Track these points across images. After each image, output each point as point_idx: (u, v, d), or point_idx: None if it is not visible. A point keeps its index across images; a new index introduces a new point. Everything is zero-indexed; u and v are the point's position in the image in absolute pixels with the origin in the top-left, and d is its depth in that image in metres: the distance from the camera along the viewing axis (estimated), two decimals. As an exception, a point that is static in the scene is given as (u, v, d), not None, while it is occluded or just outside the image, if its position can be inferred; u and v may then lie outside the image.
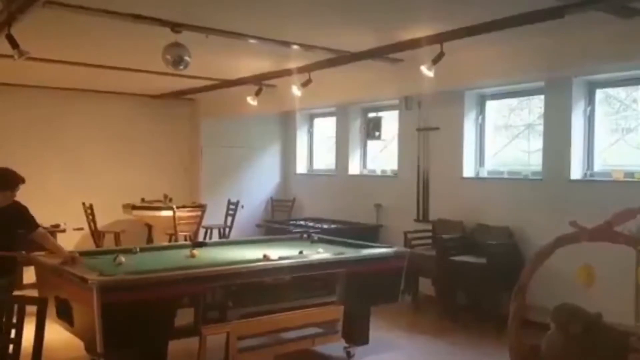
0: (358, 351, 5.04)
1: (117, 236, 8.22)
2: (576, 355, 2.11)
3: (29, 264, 4.66)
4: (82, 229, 7.92)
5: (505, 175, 6.80)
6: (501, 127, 7.13)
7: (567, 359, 2.15)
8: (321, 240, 5.84)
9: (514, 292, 2.55)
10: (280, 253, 4.76)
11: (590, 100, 6.03)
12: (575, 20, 4.35)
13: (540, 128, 6.43)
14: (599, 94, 6.05)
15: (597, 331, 2.10)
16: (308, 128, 10.06)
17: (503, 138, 7.09)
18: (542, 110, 6.40)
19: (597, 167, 6.02)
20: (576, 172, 5.99)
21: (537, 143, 6.51)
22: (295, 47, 5.58)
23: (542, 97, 6.37)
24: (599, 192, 5.64)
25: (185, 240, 7.82)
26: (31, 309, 2.78)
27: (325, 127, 9.75)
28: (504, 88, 6.78)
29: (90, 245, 7.95)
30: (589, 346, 2.06)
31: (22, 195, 8.36)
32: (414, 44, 5.28)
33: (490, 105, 7.11)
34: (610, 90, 6.08)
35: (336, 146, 9.08)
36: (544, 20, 4.34)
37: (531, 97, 6.73)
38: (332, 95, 7.74)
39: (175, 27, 4.76)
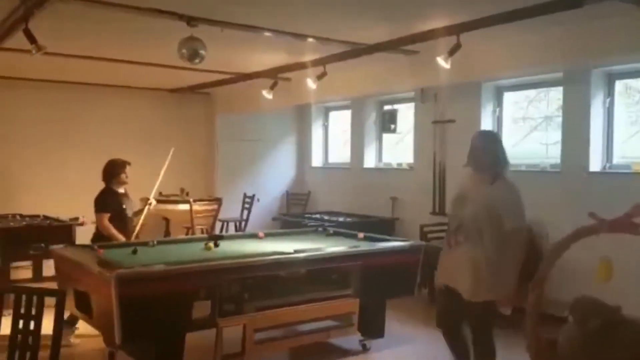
0: (373, 344, 5.04)
1: (134, 229, 8.28)
2: (594, 349, 2.08)
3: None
4: (100, 222, 7.99)
5: (523, 168, 6.73)
6: (519, 119, 7.05)
7: (585, 353, 2.12)
8: (337, 234, 5.84)
9: (532, 285, 2.52)
10: (295, 246, 4.77)
11: (610, 92, 5.93)
12: (593, 10, 4.28)
13: (559, 120, 6.35)
14: (619, 85, 5.95)
15: (616, 324, 2.07)
16: (323, 121, 10.05)
17: (521, 130, 7.02)
18: (560, 102, 6.33)
19: (617, 159, 5.94)
20: (595, 164, 5.91)
21: (556, 135, 6.43)
22: (310, 40, 5.56)
23: (560, 88, 6.29)
24: (618, 184, 5.56)
25: (202, 233, 7.88)
26: (50, 301, 2.82)
27: (341, 120, 9.74)
28: (521, 79, 6.70)
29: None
30: (607, 340, 2.04)
31: (43, 190, 8.50)
32: (429, 35, 5.23)
33: (508, 97, 7.04)
34: (630, 82, 5.98)
35: (351, 139, 9.06)
36: (562, 10, 4.28)
37: (549, 88, 6.64)
38: (348, 88, 7.72)
39: (191, 21, 4.77)
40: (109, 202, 5.35)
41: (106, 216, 5.27)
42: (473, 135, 3.78)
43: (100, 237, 5.25)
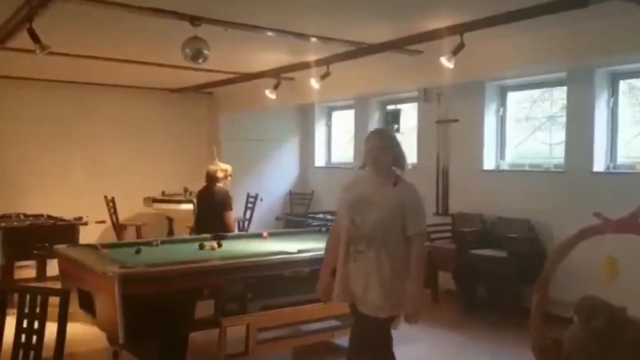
0: (377, 344, 5.02)
1: (138, 229, 8.31)
2: (599, 349, 2.08)
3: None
4: (104, 222, 8.01)
5: (527, 168, 6.72)
6: (522, 119, 7.04)
7: (590, 353, 2.12)
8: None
9: (536, 286, 2.52)
10: (299, 246, 4.77)
11: (614, 91, 5.92)
12: (598, 9, 4.28)
13: (563, 120, 6.34)
14: (623, 84, 5.95)
15: (621, 325, 2.06)
16: (326, 121, 10.05)
17: (524, 130, 7.01)
18: (564, 102, 6.31)
19: (621, 159, 5.92)
20: (599, 164, 5.90)
21: (559, 135, 6.42)
22: (313, 39, 5.56)
23: (564, 88, 6.27)
24: (622, 185, 5.55)
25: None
26: (54, 300, 2.82)
27: (344, 120, 9.73)
28: (525, 79, 6.69)
29: (112, 238, 8.06)
30: (612, 340, 2.03)
31: (47, 189, 8.51)
32: (433, 35, 5.23)
33: (512, 96, 7.03)
34: (634, 81, 5.97)
35: (355, 139, 9.05)
36: (567, 9, 4.27)
37: (553, 88, 6.63)
38: (351, 88, 7.71)
39: (194, 20, 4.78)
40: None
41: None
42: (369, 136, 3.44)
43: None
